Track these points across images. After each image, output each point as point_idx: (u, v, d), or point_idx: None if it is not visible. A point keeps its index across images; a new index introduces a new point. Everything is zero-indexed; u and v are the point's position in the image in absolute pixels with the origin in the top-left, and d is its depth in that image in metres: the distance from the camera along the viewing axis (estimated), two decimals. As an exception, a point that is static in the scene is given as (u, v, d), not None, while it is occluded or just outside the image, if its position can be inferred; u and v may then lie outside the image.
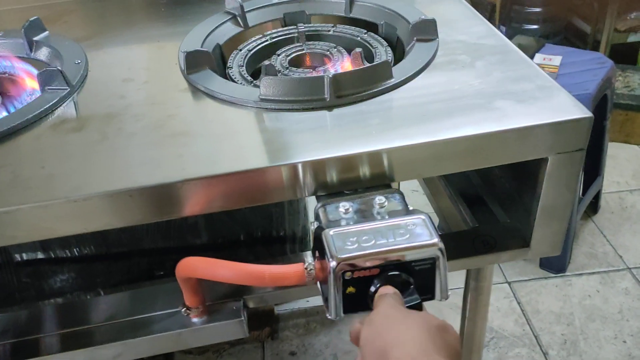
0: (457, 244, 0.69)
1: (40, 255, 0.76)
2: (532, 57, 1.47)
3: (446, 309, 1.39)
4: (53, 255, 0.77)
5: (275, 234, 0.82)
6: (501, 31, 2.56)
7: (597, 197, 1.70)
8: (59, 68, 0.67)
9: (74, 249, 0.76)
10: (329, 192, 0.57)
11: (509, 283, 1.54)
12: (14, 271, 0.76)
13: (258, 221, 0.81)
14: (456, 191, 0.81)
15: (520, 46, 1.66)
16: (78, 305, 0.68)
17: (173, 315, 0.62)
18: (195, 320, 0.61)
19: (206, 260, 0.53)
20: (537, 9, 2.27)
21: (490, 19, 2.50)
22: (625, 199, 1.78)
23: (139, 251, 0.78)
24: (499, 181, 0.76)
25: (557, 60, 1.42)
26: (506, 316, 1.45)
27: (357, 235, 0.49)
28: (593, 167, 1.63)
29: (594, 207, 1.72)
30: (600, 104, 1.46)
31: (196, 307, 0.61)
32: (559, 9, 2.30)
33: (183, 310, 0.61)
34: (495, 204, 0.76)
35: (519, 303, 1.48)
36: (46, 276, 0.78)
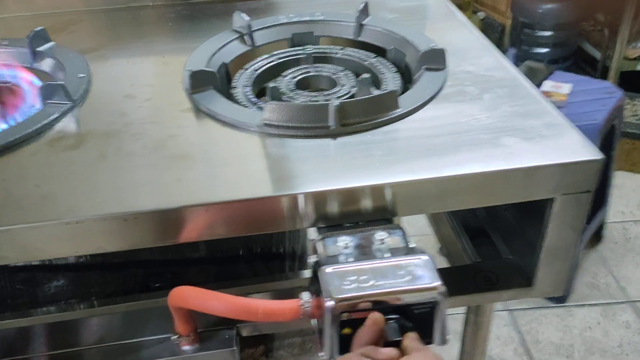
0: (457, 279, 0.68)
1: (35, 262, 0.75)
2: (541, 83, 1.46)
3: (445, 335, 1.37)
4: (48, 262, 0.75)
5: (274, 251, 0.81)
6: (511, 53, 2.54)
7: (601, 226, 1.68)
8: (61, 82, 0.66)
9: (70, 257, 0.75)
10: (330, 224, 0.55)
11: (510, 311, 1.51)
12: (8, 277, 0.75)
13: (258, 237, 0.79)
14: (459, 222, 0.80)
15: (530, 70, 1.64)
16: (68, 325, 0.67)
17: (163, 341, 0.61)
18: (186, 348, 0.60)
19: (199, 291, 0.51)
20: (548, 33, 2.26)
21: (500, 40, 2.49)
22: (629, 230, 1.76)
23: (136, 262, 0.77)
24: (503, 215, 0.75)
25: (566, 88, 1.40)
26: (505, 345, 1.43)
27: (355, 274, 0.47)
28: (598, 196, 1.61)
29: (597, 237, 1.70)
30: (608, 134, 1.45)
31: (187, 335, 0.59)
32: (569, 34, 2.29)
33: (174, 337, 0.60)
34: (498, 238, 0.75)
35: (519, 332, 1.46)
36: (40, 283, 0.76)
